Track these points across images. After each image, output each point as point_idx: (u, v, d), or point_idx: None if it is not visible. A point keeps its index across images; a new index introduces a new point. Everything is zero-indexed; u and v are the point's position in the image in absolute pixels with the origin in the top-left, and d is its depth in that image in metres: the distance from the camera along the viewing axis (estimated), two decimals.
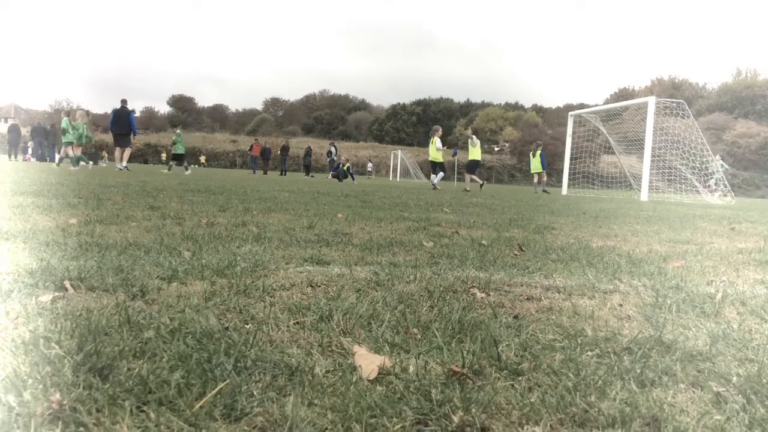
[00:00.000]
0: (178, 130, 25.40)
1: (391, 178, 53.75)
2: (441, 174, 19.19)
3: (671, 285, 2.67)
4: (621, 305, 2.25)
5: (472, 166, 19.68)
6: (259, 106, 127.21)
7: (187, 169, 23.97)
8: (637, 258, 3.56)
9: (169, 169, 22.05)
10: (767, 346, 1.76)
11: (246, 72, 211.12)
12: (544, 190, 24.00)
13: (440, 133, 19.47)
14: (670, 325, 1.95)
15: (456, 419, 1.16)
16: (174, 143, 25.25)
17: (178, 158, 25.17)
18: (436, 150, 19.17)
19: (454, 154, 38.58)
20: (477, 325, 1.81)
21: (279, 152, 37.90)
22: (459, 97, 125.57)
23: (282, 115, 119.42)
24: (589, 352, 1.62)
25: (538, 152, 24.69)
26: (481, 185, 20.33)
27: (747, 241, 5.08)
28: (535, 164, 24.76)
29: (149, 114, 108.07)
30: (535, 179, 25.09)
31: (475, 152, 19.38)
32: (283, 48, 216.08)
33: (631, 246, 4.25)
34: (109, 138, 21.51)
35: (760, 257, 3.89)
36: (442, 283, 2.47)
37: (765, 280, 3.03)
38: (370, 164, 62.38)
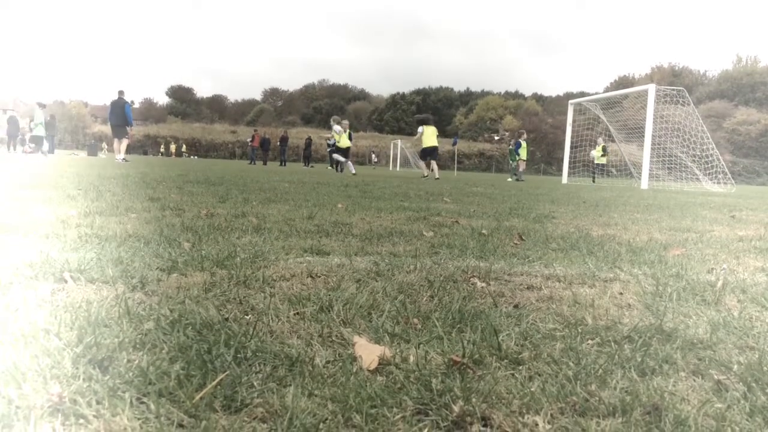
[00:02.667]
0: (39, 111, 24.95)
1: (391, 168, 53.70)
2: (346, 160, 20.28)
3: (671, 273, 2.67)
4: (621, 294, 2.25)
5: (430, 153, 19.66)
6: (258, 97, 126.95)
7: (45, 154, 23.79)
8: (638, 246, 3.56)
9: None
10: None
11: (244, 62, 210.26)
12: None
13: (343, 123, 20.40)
14: (670, 314, 1.95)
15: (456, 409, 1.16)
16: (35, 125, 24.89)
17: (37, 141, 24.94)
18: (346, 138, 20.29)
19: (454, 144, 38.55)
20: (477, 315, 1.81)
21: (278, 143, 37.87)
22: (459, 86, 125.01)
23: (281, 106, 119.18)
24: (590, 341, 1.62)
25: (601, 147, 25.42)
26: (425, 176, 20.03)
27: (747, 229, 5.08)
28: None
29: (148, 105, 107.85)
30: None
31: (430, 140, 19.50)
32: (281, 38, 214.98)
33: (632, 234, 4.24)
34: (108, 129, 21.40)
35: (761, 245, 3.88)
36: (442, 272, 2.46)
37: (766, 267, 3.02)
38: (373, 154, 62.26)
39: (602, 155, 26.11)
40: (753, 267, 3.02)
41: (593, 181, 25.04)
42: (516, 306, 1.99)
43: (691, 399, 1.27)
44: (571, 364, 1.42)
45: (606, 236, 4.03)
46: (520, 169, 25.29)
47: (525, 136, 26.03)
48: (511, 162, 26.95)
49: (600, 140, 25.95)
